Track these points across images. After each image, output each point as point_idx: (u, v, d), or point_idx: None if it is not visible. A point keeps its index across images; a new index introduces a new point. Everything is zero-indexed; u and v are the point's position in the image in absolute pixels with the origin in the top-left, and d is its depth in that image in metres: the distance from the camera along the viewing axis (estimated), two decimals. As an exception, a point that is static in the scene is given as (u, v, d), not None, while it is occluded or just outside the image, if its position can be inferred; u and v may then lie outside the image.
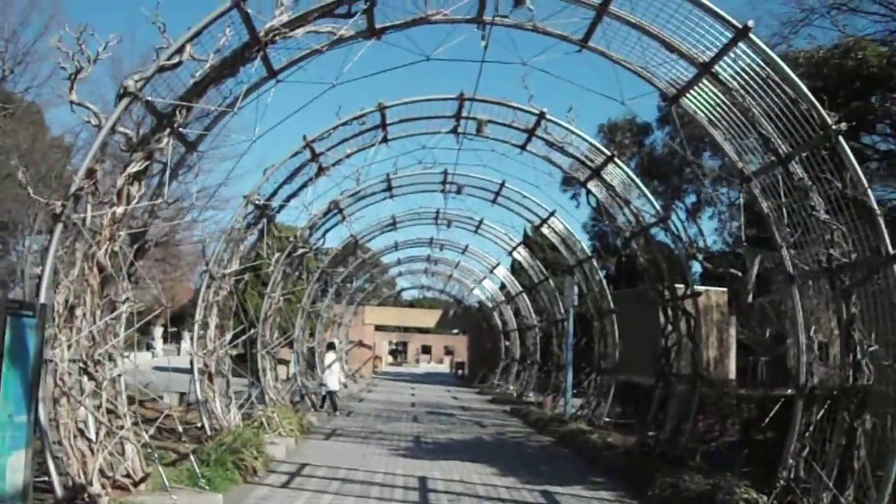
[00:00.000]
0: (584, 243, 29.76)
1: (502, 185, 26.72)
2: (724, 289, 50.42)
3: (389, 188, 26.83)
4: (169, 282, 53.40)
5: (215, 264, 18.31)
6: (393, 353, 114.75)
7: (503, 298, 50.11)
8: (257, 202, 19.13)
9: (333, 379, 29.90)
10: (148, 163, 12.08)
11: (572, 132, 19.44)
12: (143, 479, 11.67)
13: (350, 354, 57.26)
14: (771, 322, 44.71)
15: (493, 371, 54.89)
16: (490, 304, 54.60)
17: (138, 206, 12.29)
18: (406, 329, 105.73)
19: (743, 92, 12.71)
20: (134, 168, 11.87)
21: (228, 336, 19.39)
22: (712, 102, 13.84)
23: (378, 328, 75.08)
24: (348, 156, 20.63)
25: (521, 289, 43.84)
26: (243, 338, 20.53)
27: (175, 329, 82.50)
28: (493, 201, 28.07)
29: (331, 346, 32.51)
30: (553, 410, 31.32)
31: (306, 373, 33.74)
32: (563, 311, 34.11)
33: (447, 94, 19.22)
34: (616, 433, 23.76)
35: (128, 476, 11.54)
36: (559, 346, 34.51)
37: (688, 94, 14.01)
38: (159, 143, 12.08)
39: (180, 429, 14.30)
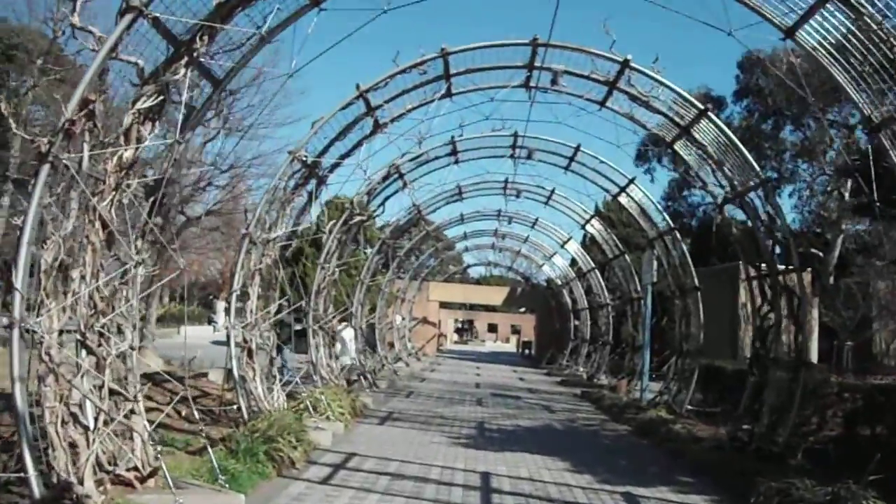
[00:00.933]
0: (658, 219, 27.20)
1: (577, 148, 24.48)
2: (808, 268, 47.76)
3: (454, 152, 24.76)
4: (229, 252, 52.43)
5: (257, 228, 16.36)
6: (458, 330, 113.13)
7: (573, 275, 47.86)
8: (305, 159, 17.08)
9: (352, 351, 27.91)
10: (161, 98, 10.11)
11: (660, 83, 17.12)
12: (151, 474, 9.80)
13: (414, 332, 55.51)
14: (856, 304, 42.16)
15: (561, 351, 52.67)
16: (559, 282, 52.41)
17: (150, 149, 10.42)
18: (472, 307, 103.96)
19: (880, 17, 10.41)
20: (144, 103, 9.95)
21: (274, 308, 17.57)
22: (837, 34, 11.55)
23: (443, 305, 73.26)
24: (409, 111, 18.53)
25: (593, 265, 41.47)
26: (288, 310, 18.53)
27: (240, 303, 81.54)
28: (567, 168, 25.84)
29: (344, 320, 30.26)
30: (628, 395, 29.14)
31: (365, 350, 31.85)
32: (639, 288, 31.86)
33: (516, 38, 17.03)
34: (701, 423, 21.55)
35: (135, 469, 9.70)
36: (635, 326, 32.24)
37: (807, 25, 11.73)
38: (175, 74, 10.14)
39: (196, 413, 12.23)
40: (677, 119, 18.03)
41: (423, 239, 40.48)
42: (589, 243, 44.42)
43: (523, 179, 29.79)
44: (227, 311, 16.82)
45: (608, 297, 40.23)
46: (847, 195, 52.66)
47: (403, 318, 50.01)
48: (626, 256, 33.10)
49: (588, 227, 34.24)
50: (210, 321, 68.63)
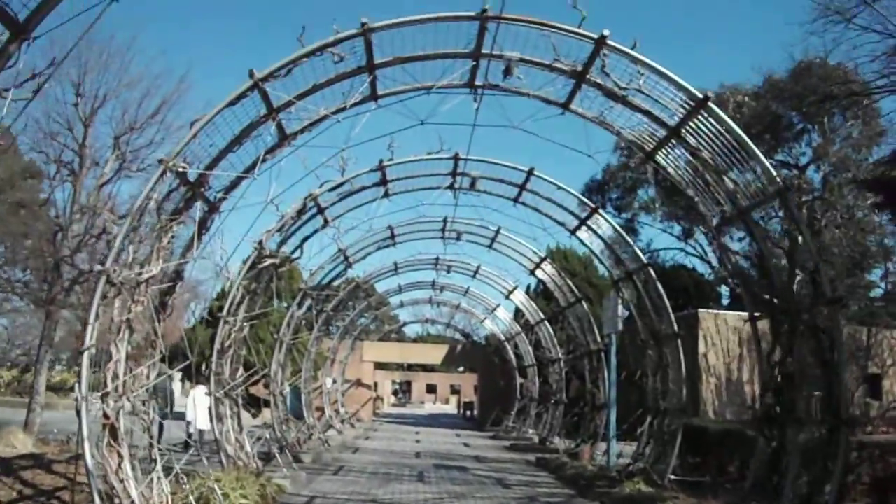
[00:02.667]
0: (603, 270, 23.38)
1: (530, 173, 20.71)
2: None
3: (384, 181, 20.82)
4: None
5: (117, 262, 12.12)
6: (396, 392, 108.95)
7: (519, 329, 43.93)
8: (183, 171, 12.81)
9: (203, 417, 24.07)
10: None
11: (649, 66, 13.31)
12: None
13: (347, 396, 51.07)
14: (822, 351, 39.08)
15: (507, 412, 48.61)
16: (503, 337, 48.55)
17: None
18: (409, 367, 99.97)
19: None
20: None
21: (151, 373, 13.34)
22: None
23: (378, 366, 68.87)
24: (323, 117, 14.43)
25: (542, 316, 37.46)
26: (169, 372, 14.25)
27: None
28: (516, 199, 22.03)
29: (199, 382, 26.25)
30: (592, 462, 25.26)
31: (286, 419, 27.48)
32: (598, 339, 28.05)
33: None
34: (689, 497, 17.80)
35: None
36: (594, 382, 28.31)
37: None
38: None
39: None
40: (665, 118, 14.27)
41: (353, 292, 36.12)
42: (534, 295, 40.78)
43: (465, 214, 26.03)
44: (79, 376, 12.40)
45: (560, 351, 36.33)
46: (800, 238, 50.01)
47: (335, 381, 45.65)
48: (584, 304, 29.08)
49: (539, 273, 30.05)
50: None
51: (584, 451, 26.54)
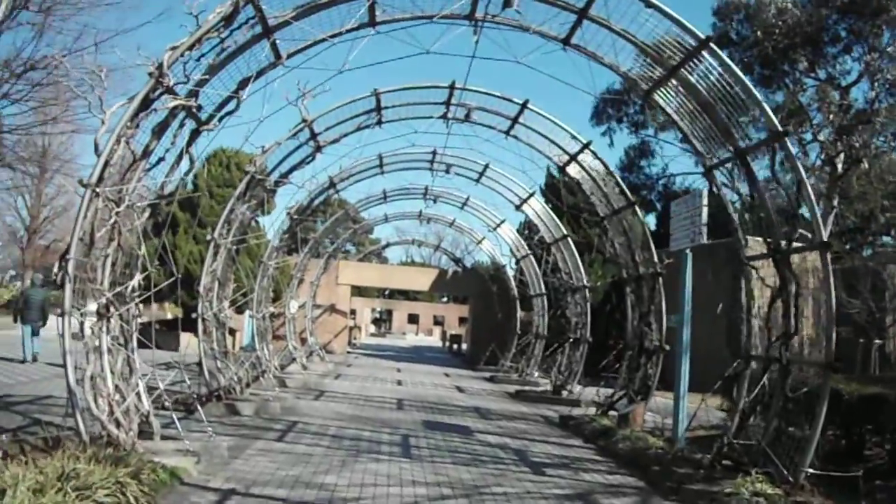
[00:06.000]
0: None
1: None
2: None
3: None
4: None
5: None
6: (376, 321, 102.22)
7: (527, 251, 36.35)
8: None
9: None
10: None
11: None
12: None
13: (318, 324, 43.57)
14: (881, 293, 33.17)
15: (504, 350, 41.18)
16: (504, 261, 41.27)
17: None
18: (390, 295, 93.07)
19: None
20: None
21: None
22: None
23: (356, 291, 61.24)
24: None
25: (564, 232, 29.48)
26: None
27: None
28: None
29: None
30: (644, 428, 18.10)
31: (225, 353, 19.82)
32: (655, 258, 20.41)
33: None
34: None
35: None
36: (643, 317, 20.59)
37: None
38: None
39: None
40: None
41: (326, 193, 28.02)
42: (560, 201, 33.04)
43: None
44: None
45: (585, 277, 28.72)
46: (840, 166, 43.22)
47: (301, 306, 37.84)
48: (638, 210, 20.83)
49: (573, 168, 21.63)
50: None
51: (636, 415, 18.99)
